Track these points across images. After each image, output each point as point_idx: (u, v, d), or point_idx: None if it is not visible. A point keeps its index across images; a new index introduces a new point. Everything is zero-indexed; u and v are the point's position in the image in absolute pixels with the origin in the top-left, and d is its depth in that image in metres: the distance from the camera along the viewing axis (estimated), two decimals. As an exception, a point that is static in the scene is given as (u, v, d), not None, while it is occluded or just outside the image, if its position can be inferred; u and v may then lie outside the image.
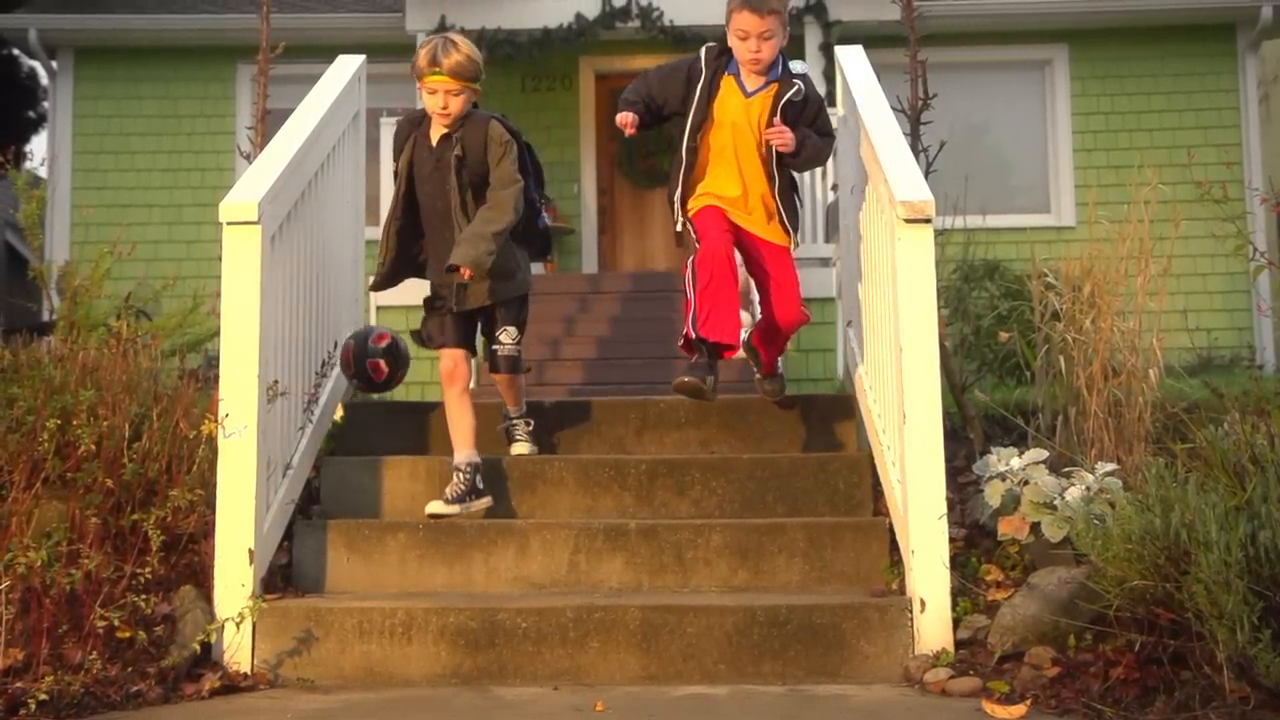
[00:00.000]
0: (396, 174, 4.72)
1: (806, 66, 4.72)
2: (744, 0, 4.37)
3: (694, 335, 4.38)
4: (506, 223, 4.51)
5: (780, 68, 4.50)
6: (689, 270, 4.44)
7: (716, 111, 4.50)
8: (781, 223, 4.60)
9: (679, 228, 4.63)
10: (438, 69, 4.53)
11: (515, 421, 4.94)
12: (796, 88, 4.47)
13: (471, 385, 6.86)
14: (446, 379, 4.66)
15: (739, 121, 4.51)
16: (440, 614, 3.86)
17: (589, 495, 4.64)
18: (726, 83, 4.50)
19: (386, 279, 4.73)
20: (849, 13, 10.15)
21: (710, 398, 4.47)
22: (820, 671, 3.78)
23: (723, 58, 4.50)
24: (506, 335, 4.70)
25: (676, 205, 4.61)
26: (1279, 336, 10.58)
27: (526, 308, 4.82)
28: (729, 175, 4.54)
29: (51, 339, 5.83)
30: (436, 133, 4.66)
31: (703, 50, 4.55)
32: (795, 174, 4.68)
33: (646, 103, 4.56)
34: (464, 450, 4.56)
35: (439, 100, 4.57)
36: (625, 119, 4.51)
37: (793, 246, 4.68)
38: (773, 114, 4.47)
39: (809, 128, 4.55)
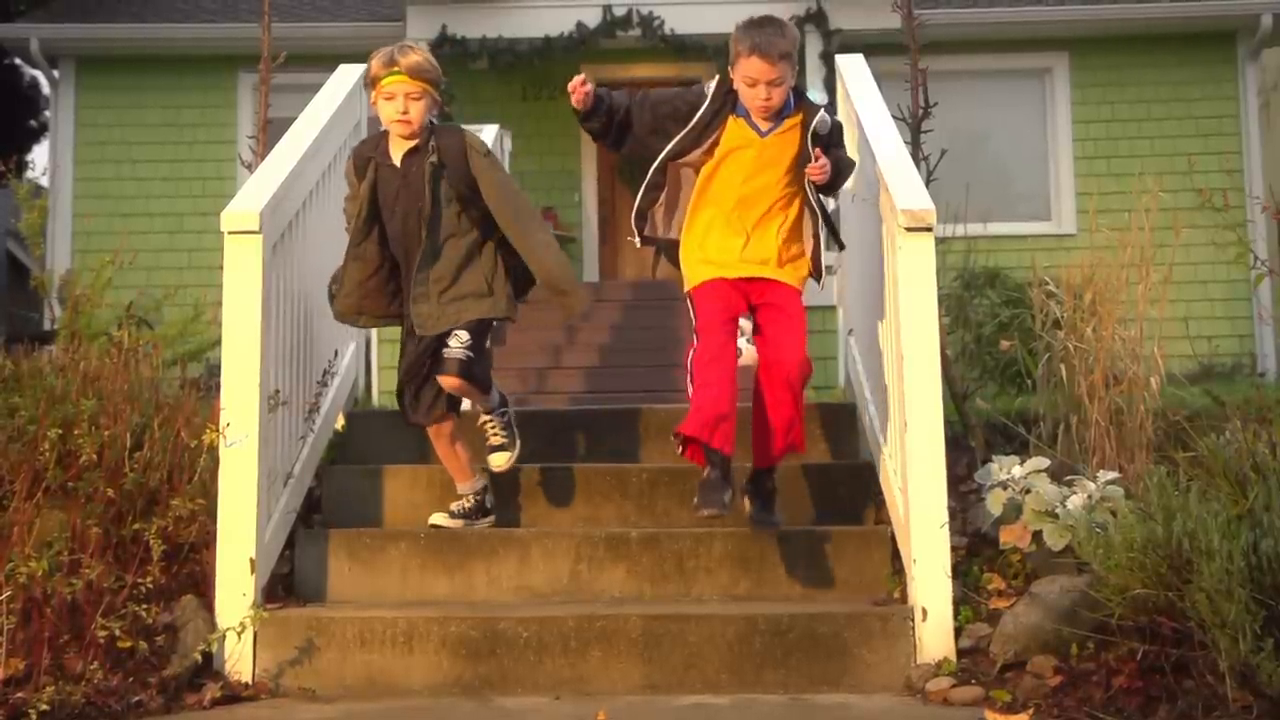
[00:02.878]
0: (357, 201, 4.35)
1: (823, 96, 4.55)
2: (753, 45, 3.98)
3: (685, 433, 3.97)
4: (545, 226, 4.41)
5: (791, 100, 4.12)
6: (688, 365, 4.07)
7: (720, 153, 4.11)
8: (810, 261, 4.19)
9: (639, 243, 4.29)
10: (395, 68, 4.24)
11: (487, 419, 4.53)
12: (821, 116, 4.10)
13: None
14: (433, 433, 4.49)
15: (753, 164, 4.10)
16: (441, 623, 3.86)
17: (590, 504, 4.64)
18: (736, 124, 4.10)
19: (349, 313, 4.42)
20: (850, 21, 10.16)
21: (730, 511, 4.02)
22: (822, 680, 3.77)
23: (731, 95, 4.10)
24: (456, 339, 4.26)
25: (643, 231, 4.25)
26: (1280, 344, 10.58)
27: (491, 332, 4.49)
28: (732, 224, 4.12)
29: (53, 348, 5.84)
30: (399, 149, 4.33)
31: (712, 84, 4.13)
32: (821, 203, 4.20)
33: (613, 110, 4.11)
34: (465, 482, 4.52)
35: (398, 105, 4.24)
36: (578, 84, 4.02)
37: (819, 281, 4.27)
38: (802, 148, 4.08)
39: (827, 146, 4.16)
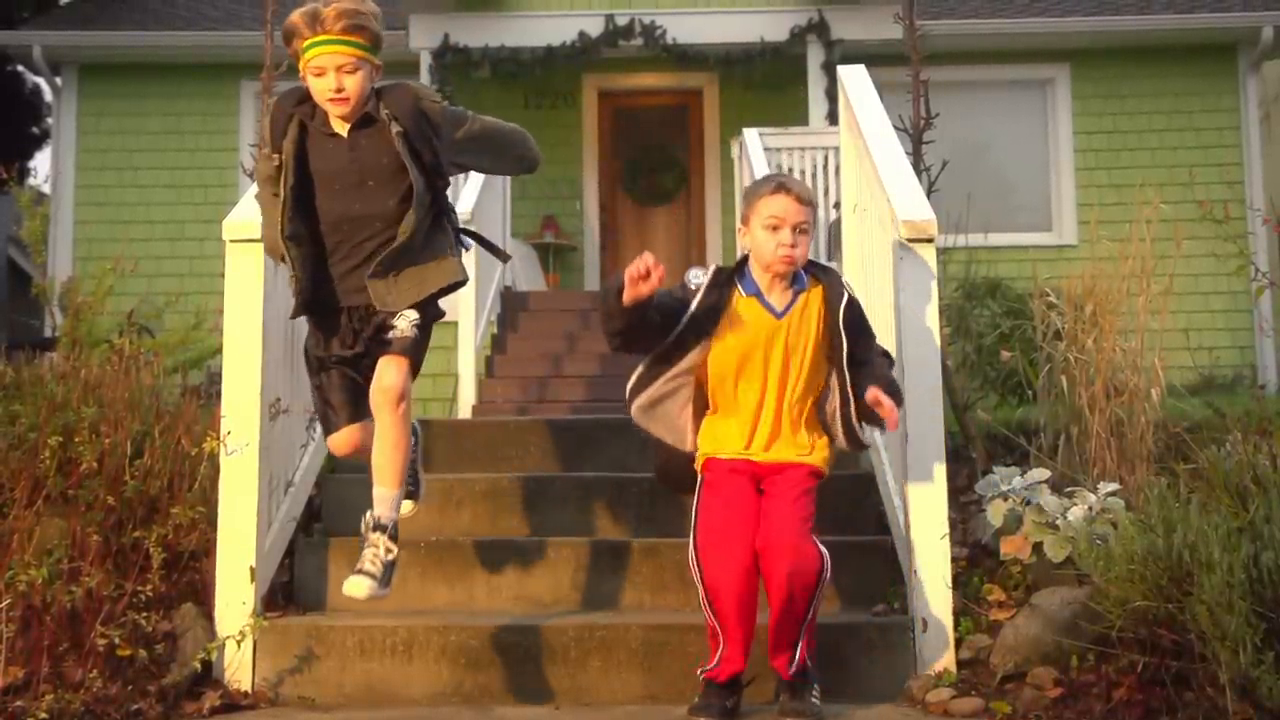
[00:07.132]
0: (272, 162, 3.52)
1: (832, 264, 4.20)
2: (779, 184, 3.59)
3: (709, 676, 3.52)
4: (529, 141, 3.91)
5: (804, 275, 3.68)
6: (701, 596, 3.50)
7: (729, 340, 3.60)
8: (842, 431, 3.66)
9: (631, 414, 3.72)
10: (322, 32, 3.37)
11: (378, 528, 3.57)
12: (848, 296, 3.64)
13: (473, 402, 6.90)
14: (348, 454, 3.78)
15: (769, 349, 3.61)
16: (441, 632, 3.86)
17: (590, 513, 4.64)
18: (746, 305, 3.62)
19: (308, 303, 3.62)
20: (851, 32, 10.19)
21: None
22: (822, 691, 3.76)
23: (734, 278, 3.65)
24: (404, 319, 3.51)
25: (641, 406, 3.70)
26: (1282, 356, 10.57)
27: (438, 307, 3.68)
28: (742, 419, 3.64)
29: (54, 355, 5.84)
30: (341, 123, 3.52)
31: (704, 274, 3.64)
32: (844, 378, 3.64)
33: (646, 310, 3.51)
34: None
35: (329, 82, 3.39)
36: (652, 268, 3.36)
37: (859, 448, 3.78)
38: (827, 329, 3.63)
39: (859, 334, 3.67)
